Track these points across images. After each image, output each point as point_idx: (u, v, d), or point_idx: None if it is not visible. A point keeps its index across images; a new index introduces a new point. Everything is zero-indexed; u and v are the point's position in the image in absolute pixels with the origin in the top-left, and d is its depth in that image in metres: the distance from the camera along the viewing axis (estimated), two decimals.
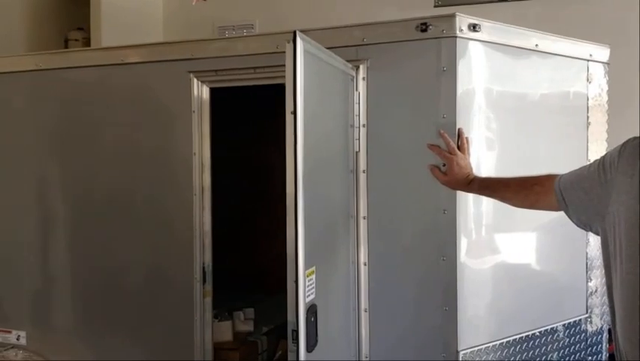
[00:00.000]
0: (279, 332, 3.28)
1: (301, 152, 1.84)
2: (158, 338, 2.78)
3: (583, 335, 2.66)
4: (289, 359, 1.88)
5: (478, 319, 2.36)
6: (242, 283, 3.71)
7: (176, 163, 2.74)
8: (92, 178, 2.88)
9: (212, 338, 2.81)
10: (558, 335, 2.57)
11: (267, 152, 3.86)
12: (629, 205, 1.46)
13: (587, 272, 2.68)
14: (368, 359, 2.37)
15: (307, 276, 1.89)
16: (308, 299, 1.89)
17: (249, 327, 3.25)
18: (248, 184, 4.26)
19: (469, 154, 2.25)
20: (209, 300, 2.77)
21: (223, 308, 3.18)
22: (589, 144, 2.67)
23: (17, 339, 3.02)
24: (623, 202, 1.48)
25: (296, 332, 1.84)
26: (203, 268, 2.74)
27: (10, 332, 3.04)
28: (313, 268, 1.94)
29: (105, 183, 2.86)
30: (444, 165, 2.24)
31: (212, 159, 2.73)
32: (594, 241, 2.68)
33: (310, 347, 1.89)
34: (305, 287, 1.87)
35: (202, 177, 2.72)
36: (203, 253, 2.75)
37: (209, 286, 2.77)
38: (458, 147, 2.23)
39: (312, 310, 1.91)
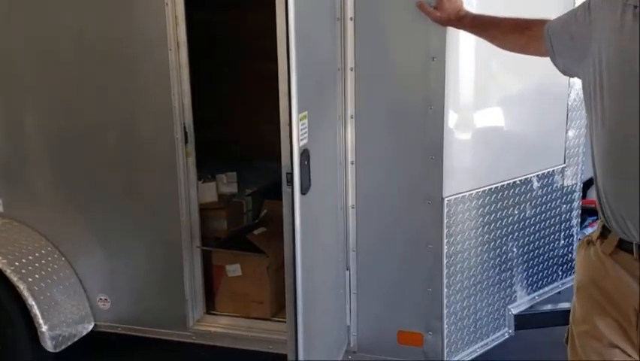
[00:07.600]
0: (261, 193, 3.32)
1: None
2: (142, 201, 2.76)
3: (559, 184, 2.76)
4: (283, 201, 1.90)
5: (462, 167, 2.41)
6: (222, 152, 3.68)
7: (146, 15, 2.57)
8: (60, 34, 2.70)
9: (198, 198, 2.82)
10: (532, 185, 2.66)
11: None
12: (614, 40, 1.45)
13: (566, 123, 2.74)
14: (354, 206, 2.43)
15: (300, 120, 1.86)
16: (301, 143, 1.88)
17: (232, 189, 3.26)
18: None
19: None
20: (191, 160, 2.74)
21: (205, 173, 3.17)
22: None
23: None
24: (607, 39, 1.47)
25: (290, 174, 1.85)
26: (184, 128, 2.68)
27: None
28: (305, 113, 1.91)
29: (73, 37, 2.69)
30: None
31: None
32: (574, 93, 2.71)
33: (304, 190, 1.91)
34: (299, 131, 1.85)
35: (176, 31, 2.58)
36: (183, 113, 2.67)
37: (190, 146, 2.72)
38: None
39: (305, 154, 1.91)
